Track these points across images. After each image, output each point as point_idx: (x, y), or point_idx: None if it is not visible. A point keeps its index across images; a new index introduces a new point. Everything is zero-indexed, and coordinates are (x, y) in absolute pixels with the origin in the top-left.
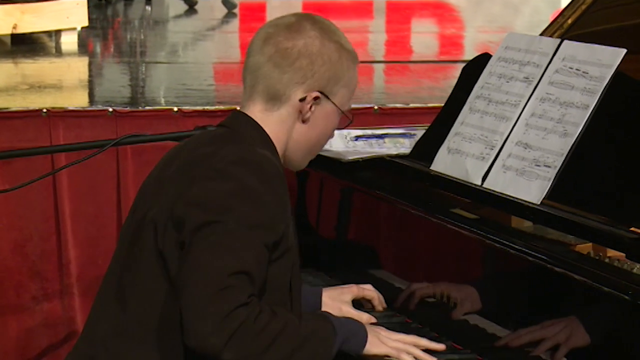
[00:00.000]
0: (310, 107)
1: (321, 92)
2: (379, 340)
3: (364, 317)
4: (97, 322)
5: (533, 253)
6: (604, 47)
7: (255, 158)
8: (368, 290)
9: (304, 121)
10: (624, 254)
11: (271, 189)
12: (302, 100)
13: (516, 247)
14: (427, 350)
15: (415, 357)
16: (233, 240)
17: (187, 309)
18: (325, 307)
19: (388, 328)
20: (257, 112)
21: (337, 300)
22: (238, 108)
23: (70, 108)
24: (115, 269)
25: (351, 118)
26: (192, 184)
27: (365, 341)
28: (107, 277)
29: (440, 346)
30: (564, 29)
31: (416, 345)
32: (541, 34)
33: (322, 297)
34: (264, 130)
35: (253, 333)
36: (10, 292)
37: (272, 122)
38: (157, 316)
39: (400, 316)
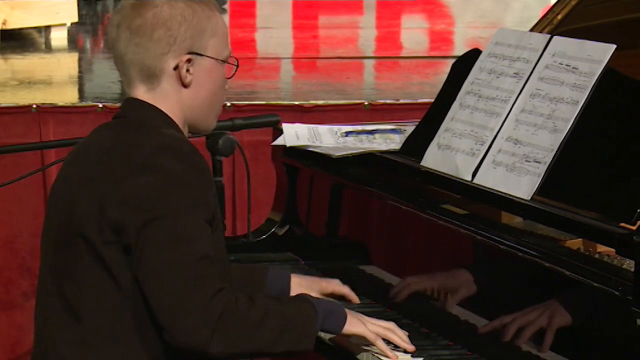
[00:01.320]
0: (187, 70)
1: (191, 53)
2: (359, 320)
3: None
4: (51, 338)
5: (523, 249)
6: (593, 42)
7: (168, 141)
8: (337, 286)
9: (187, 85)
10: (613, 250)
11: (193, 166)
12: (175, 68)
13: (506, 242)
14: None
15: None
16: (180, 230)
17: (163, 309)
18: (293, 292)
19: None
20: (142, 95)
21: (306, 289)
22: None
23: (60, 104)
24: (51, 281)
25: (235, 63)
26: (116, 183)
27: (345, 320)
28: (43, 289)
29: (411, 347)
30: (554, 24)
31: (393, 333)
32: (531, 30)
33: (290, 282)
34: (160, 110)
35: (237, 319)
36: (0, 289)
37: (161, 99)
38: (118, 322)
39: (391, 312)
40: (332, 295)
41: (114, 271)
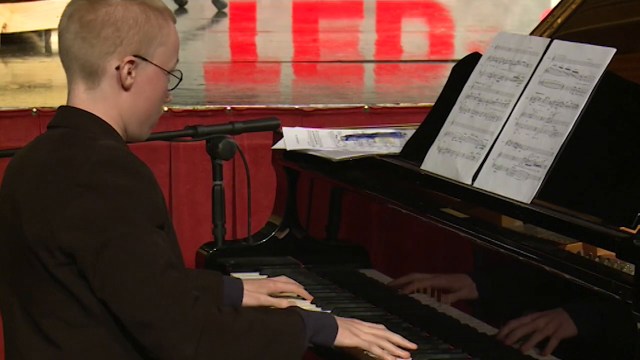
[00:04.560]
0: (129, 72)
1: (135, 56)
2: (351, 331)
3: (283, 303)
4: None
5: (523, 252)
6: (593, 46)
7: (106, 155)
8: (283, 284)
9: (126, 89)
10: (614, 254)
11: (135, 176)
12: (118, 68)
13: (507, 246)
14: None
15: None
16: (138, 245)
17: (142, 327)
18: (245, 298)
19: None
20: (81, 94)
21: (255, 292)
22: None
23: None
24: (13, 301)
25: (179, 76)
26: (61, 206)
27: (336, 332)
28: (6, 309)
29: (412, 345)
30: (554, 28)
31: (388, 340)
32: (531, 34)
33: (243, 289)
34: (97, 116)
35: (221, 330)
36: None
37: (99, 100)
38: (90, 341)
39: (392, 316)
40: (283, 293)
41: (74, 292)
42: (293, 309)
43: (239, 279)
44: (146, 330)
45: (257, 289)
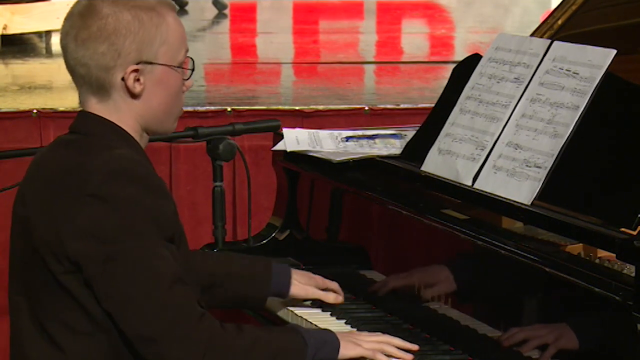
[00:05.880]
0: (137, 79)
1: (138, 63)
2: (353, 342)
3: (330, 297)
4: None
5: (524, 254)
6: (594, 47)
7: (120, 165)
8: (329, 282)
9: (137, 96)
10: (614, 255)
11: (148, 187)
12: (123, 79)
13: (507, 247)
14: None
15: (390, 356)
16: (146, 258)
17: (147, 341)
18: (293, 287)
19: (380, 329)
20: (94, 105)
21: (305, 285)
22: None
23: (61, 109)
24: (21, 301)
25: (191, 66)
26: (71, 214)
27: (338, 347)
28: (15, 309)
29: (413, 346)
30: (554, 29)
31: (390, 344)
32: (531, 35)
33: (291, 278)
34: (114, 124)
35: (225, 347)
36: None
37: (113, 110)
38: (95, 348)
39: (392, 317)
40: (326, 290)
41: (79, 299)
42: (294, 327)
43: (286, 265)
44: (149, 344)
45: (307, 282)
